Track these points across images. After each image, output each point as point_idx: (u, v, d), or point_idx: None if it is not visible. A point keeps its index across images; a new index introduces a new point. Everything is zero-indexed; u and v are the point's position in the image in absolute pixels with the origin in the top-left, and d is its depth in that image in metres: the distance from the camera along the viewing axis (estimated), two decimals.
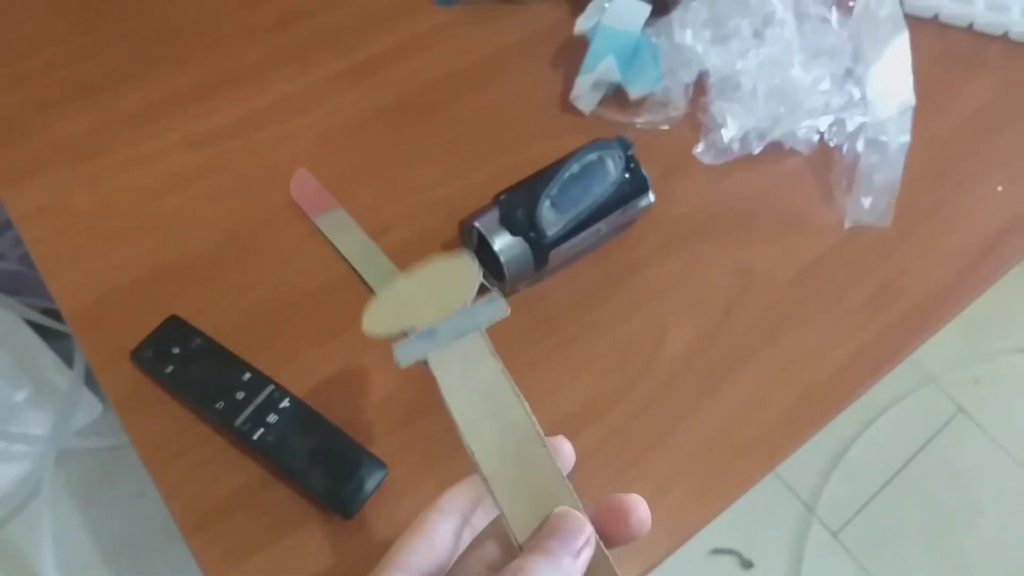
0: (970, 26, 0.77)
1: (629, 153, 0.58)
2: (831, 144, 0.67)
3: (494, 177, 0.58)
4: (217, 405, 0.51)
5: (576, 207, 0.55)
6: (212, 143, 0.65)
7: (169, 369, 0.52)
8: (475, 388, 0.34)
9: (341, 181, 0.63)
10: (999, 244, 0.64)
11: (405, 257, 0.58)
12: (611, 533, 0.32)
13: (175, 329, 0.54)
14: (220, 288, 0.58)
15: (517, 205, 0.55)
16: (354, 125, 0.67)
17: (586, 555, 0.30)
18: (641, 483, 0.52)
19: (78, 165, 0.63)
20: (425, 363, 0.35)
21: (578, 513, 0.31)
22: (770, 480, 1.41)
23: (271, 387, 0.52)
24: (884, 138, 0.64)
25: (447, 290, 0.37)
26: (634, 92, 0.67)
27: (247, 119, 0.66)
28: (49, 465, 1.15)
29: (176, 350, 0.53)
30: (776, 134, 0.65)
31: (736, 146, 0.65)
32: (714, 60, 0.66)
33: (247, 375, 0.52)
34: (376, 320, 0.37)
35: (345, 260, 0.59)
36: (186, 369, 0.52)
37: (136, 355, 0.53)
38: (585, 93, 0.67)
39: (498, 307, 0.36)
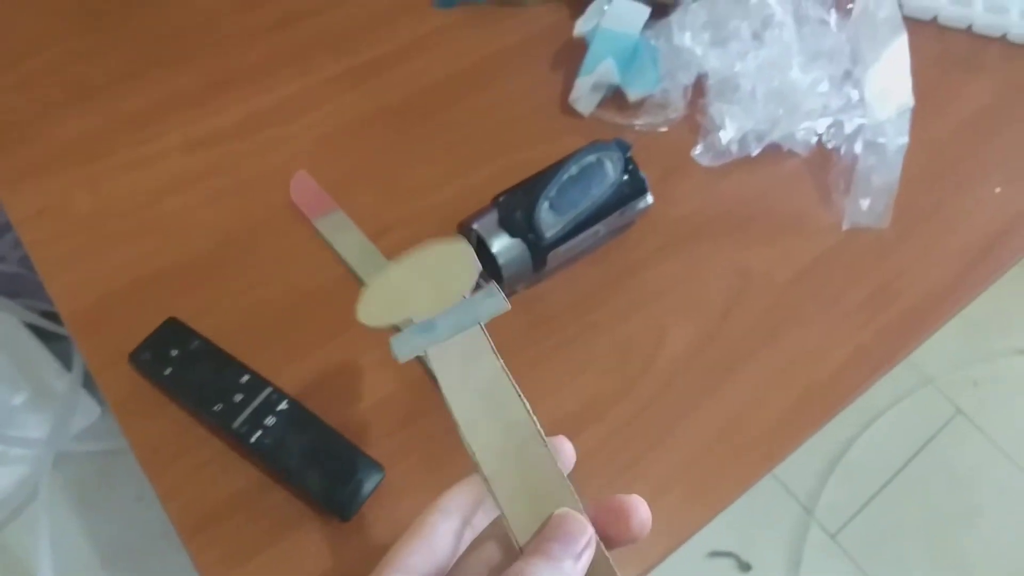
0: (969, 28, 0.77)
1: (628, 155, 0.58)
2: (829, 146, 0.67)
3: (493, 179, 0.58)
4: (215, 407, 0.51)
5: (575, 209, 0.55)
6: (212, 145, 0.65)
7: (167, 371, 0.52)
8: (475, 386, 0.33)
9: (341, 183, 0.63)
10: (997, 245, 0.64)
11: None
12: (612, 534, 0.32)
13: (173, 331, 0.54)
14: (219, 290, 0.58)
15: (516, 207, 0.55)
16: (354, 127, 0.67)
17: (587, 557, 0.30)
18: (640, 483, 0.52)
19: (78, 167, 0.63)
20: (423, 358, 0.34)
21: (579, 515, 0.31)
22: (768, 482, 1.41)
23: (269, 389, 0.51)
24: (882, 140, 0.64)
25: (444, 278, 0.36)
26: (633, 94, 0.67)
27: (247, 121, 0.66)
28: (47, 468, 1.15)
29: (174, 352, 0.53)
30: (774, 136, 0.65)
31: (734, 148, 0.65)
32: (713, 62, 0.66)
33: (245, 377, 0.52)
34: (372, 309, 0.36)
35: (344, 262, 0.59)
36: (184, 371, 0.52)
37: (134, 357, 0.53)
38: (584, 95, 0.67)
39: (497, 301, 0.35)
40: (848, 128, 0.66)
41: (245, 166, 0.64)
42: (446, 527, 0.33)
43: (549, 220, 0.55)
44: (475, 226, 0.55)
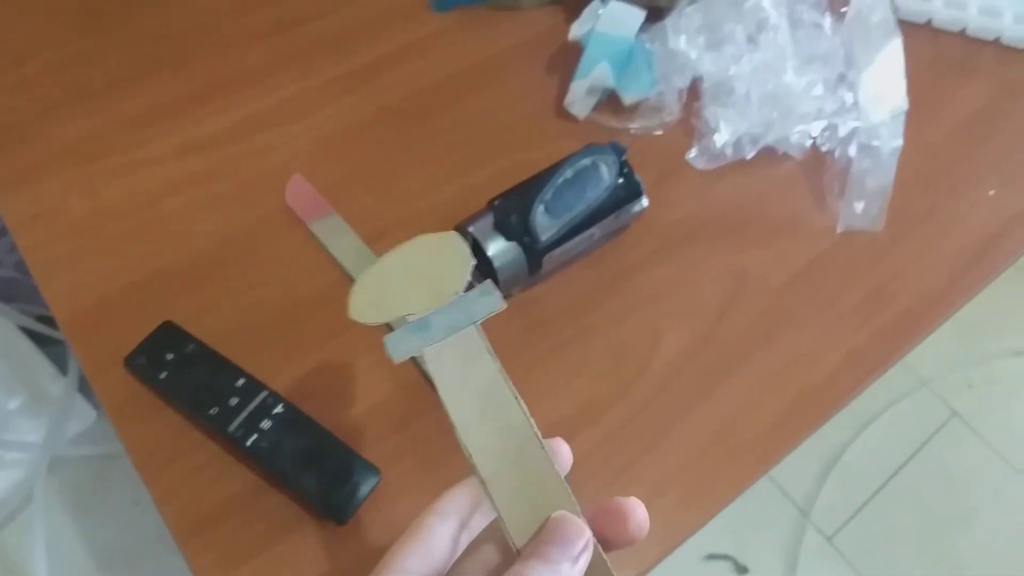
0: (963, 31, 0.77)
1: (623, 158, 0.58)
2: (824, 149, 0.67)
3: (488, 182, 0.58)
4: (211, 411, 0.50)
5: (570, 212, 0.56)
6: (209, 148, 0.65)
7: (163, 375, 0.52)
8: (472, 387, 0.33)
9: (337, 186, 0.63)
10: (991, 248, 0.64)
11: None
12: (609, 536, 0.32)
13: (169, 335, 0.54)
14: (215, 294, 0.58)
15: (511, 210, 0.55)
16: (350, 130, 0.67)
17: (584, 560, 0.30)
18: (636, 486, 0.52)
19: (75, 170, 0.63)
20: (418, 358, 0.34)
21: (577, 518, 0.31)
22: (765, 485, 1.41)
23: (265, 393, 0.51)
24: (876, 143, 0.65)
25: (437, 273, 0.35)
26: (628, 97, 0.67)
27: (244, 124, 0.66)
28: (42, 473, 1.14)
29: (170, 356, 0.53)
30: (769, 139, 0.65)
31: (729, 151, 0.65)
32: (708, 66, 0.67)
33: (241, 381, 0.52)
34: (363, 305, 0.35)
35: (340, 266, 0.59)
36: (180, 375, 0.52)
37: (130, 361, 0.53)
38: (579, 98, 0.67)
39: (493, 300, 0.34)
40: (842, 131, 0.66)
41: (241, 170, 0.64)
42: (443, 530, 0.33)
43: (544, 223, 0.55)
44: (471, 229, 0.55)
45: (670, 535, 0.50)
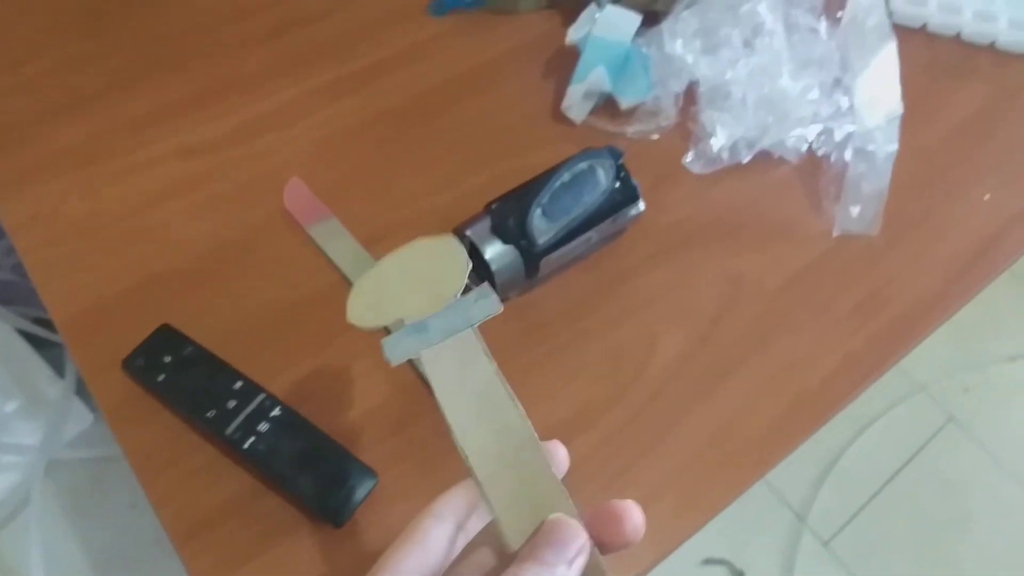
0: (958, 36, 0.78)
1: (619, 162, 0.58)
2: (819, 153, 0.67)
3: (486, 186, 0.58)
4: (208, 414, 0.51)
5: (567, 216, 0.56)
6: (207, 152, 0.65)
7: (161, 378, 0.52)
8: (469, 389, 0.33)
9: (335, 189, 0.63)
10: (986, 252, 0.65)
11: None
12: (605, 539, 0.32)
13: (167, 338, 0.54)
14: (212, 297, 0.58)
15: (508, 214, 0.55)
16: (348, 134, 0.67)
17: (580, 563, 0.30)
18: (632, 490, 0.52)
19: (73, 173, 0.63)
20: (415, 361, 0.34)
21: (572, 520, 0.31)
22: (761, 489, 1.41)
23: (262, 396, 0.52)
24: (872, 147, 0.65)
25: (435, 276, 0.35)
26: (625, 102, 0.67)
27: (242, 128, 0.66)
28: (39, 475, 1.14)
29: (168, 359, 0.53)
30: (765, 143, 0.66)
31: (725, 155, 0.65)
32: (704, 70, 0.67)
33: (238, 384, 0.52)
34: (361, 309, 0.35)
35: (338, 269, 0.59)
36: (177, 378, 0.52)
37: (128, 364, 0.53)
38: (576, 102, 0.67)
39: (491, 302, 0.34)
40: (838, 135, 0.66)
41: (240, 173, 0.64)
42: (439, 532, 0.33)
43: (542, 227, 0.55)
44: (468, 233, 0.55)
45: (666, 539, 0.51)
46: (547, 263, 0.57)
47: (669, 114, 0.68)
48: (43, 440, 1.14)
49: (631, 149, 0.61)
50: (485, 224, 0.55)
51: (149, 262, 0.59)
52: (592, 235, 0.58)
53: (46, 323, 1.18)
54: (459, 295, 0.35)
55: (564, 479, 0.33)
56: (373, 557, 0.32)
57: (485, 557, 0.34)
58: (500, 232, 0.55)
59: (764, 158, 0.67)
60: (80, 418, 1.20)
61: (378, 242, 0.60)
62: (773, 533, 1.38)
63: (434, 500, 0.34)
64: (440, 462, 0.50)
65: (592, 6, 0.69)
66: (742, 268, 0.62)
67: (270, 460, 0.49)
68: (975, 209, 0.67)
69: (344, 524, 0.49)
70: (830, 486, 1.41)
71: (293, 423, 0.51)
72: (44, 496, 1.18)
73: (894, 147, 0.65)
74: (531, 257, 0.55)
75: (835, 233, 0.64)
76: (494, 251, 0.54)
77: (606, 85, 0.66)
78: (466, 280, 0.35)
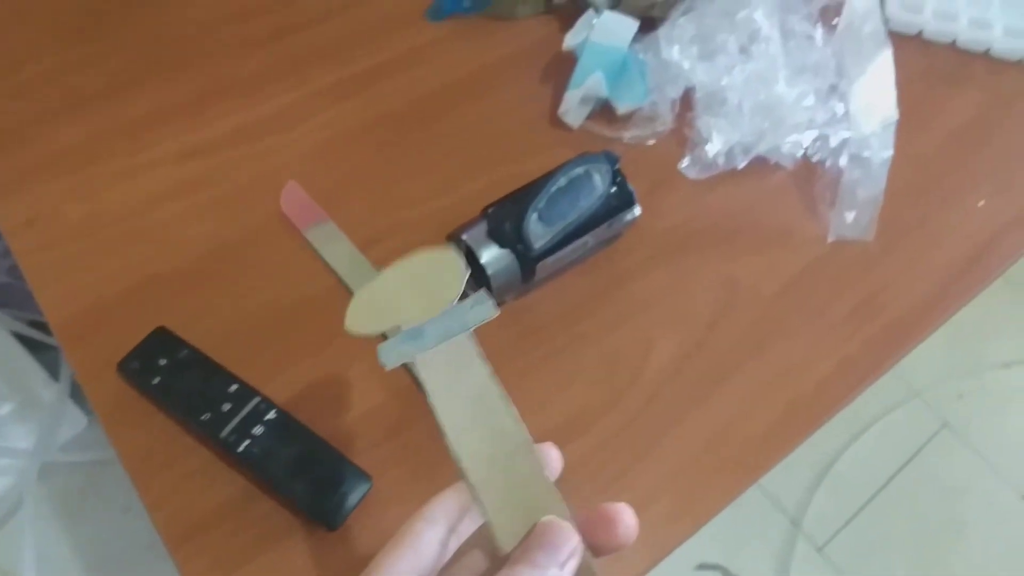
0: (953, 43, 0.78)
1: (616, 167, 0.58)
2: (815, 159, 0.68)
3: (483, 190, 0.58)
4: (203, 417, 0.50)
5: (563, 220, 0.56)
6: (203, 155, 0.65)
7: (156, 381, 0.52)
8: (463, 393, 0.33)
9: (332, 193, 0.63)
10: (981, 258, 0.65)
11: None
12: (598, 542, 0.32)
13: (162, 341, 0.54)
14: (208, 300, 0.58)
15: (505, 218, 0.55)
16: (345, 138, 0.67)
17: (572, 565, 0.30)
18: (628, 494, 0.52)
19: (70, 175, 0.63)
20: (410, 366, 0.34)
21: (565, 523, 0.31)
22: (756, 495, 1.41)
23: (257, 399, 0.52)
24: (867, 153, 0.65)
25: (432, 286, 0.36)
26: (621, 107, 0.68)
27: (239, 131, 0.66)
28: (32, 479, 1.14)
29: (163, 362, 0.53)
30: (761, 149, 0.66)
31: (721, 161, 0.66)
32: (700, 76, 0.67)
33: (233, 387, 0.52)
34: (359, 318, 0.36)
35: (334, 273, 0.59)
36: (173, 381, 0.52)
37: (123, 366, 0.53)
38: (573, 108, 0.67)
39: (486, 308, 0.35)
40: (833, 141, 0.66)
41: (237, 176, 0.64)
42: (432, 535, 0.33)
43: (538, 231, 0.55)
44: (464, 237, 0.55)
45: (661, 543, 0.51)
46: (543, 267, 0.57)
47: (665, 119, 0.68)
48: (37, 443, 1.13)
49: (627, 154, 0.61)
50: (481, 228, 0.55)
51: (145, 265, 0.59)
52: (588, 240, 0.58)
53: (41, 326, 1.18)
54: (455, 302, 0.35)
55: (557, 482, 0.33)
56: (367, 561, 0.32)
57: (477, 560, 0.34)
58: (496, 236, 0.55)
59: (760, 164, 0.67)
60: (74, 421, 1.19)
61: (375, 246, 0.60)
62: (768, 538, 1.38)
63: (426, 503, 0.34)
64: (435, 466, 0.50)
65: (589, 12, 0.69)
66: (738, 273, 0.62)
67: (265, 463, 0.49)
68: (970, 215, 0.67)
69: (338, 528, 0.49)
70: (825, 491, 1.42)
71: (288, 426, 0.51)
72: (37, 500, 1.18)
73: (889, 153, 0.65)
74: (527, 261, 0.55)
75: (830, 239, 0.64)
76: (490, 255, 0.55)
77: (603, 90, 0.66)
78: (463, 288, 0.36)
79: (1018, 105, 0.75)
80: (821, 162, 0.67)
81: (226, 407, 0.51)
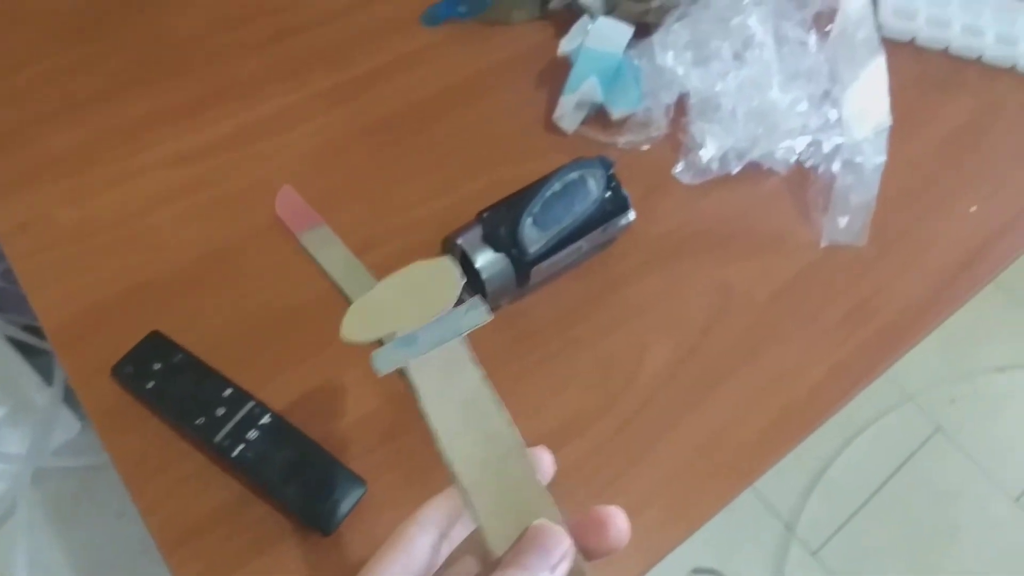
0: (946, 50, 0.79)
1: (610, 172, 0.58)
2: (808, 165, 0.68)
3: (478, 195, 0.58)
4: (197, 421, 0.50)
5: (558, 225, 0.56)
6: (198, 159, 0.65)
7: (150, 385, 0.52)
8: (455, 397, 0.33)
9: (327, 198, 0.63)
10: (973, 263, 0.65)
11: (389, 274, 0.59)
12: (590, 545, 0.32)
13: (156, 345, 0.54)
14: (202, 304, 0.58)
15: (500, 222, 0.55)
16: (340, 142, 0.67)
17: (563, 569, 0.30)
18: (622, 498, 0.52)
19: (64, 180, 0.63)
20: (404, 371, 0.34)
21: (556, 526, 0.31)
22: (750, 499, 1.41)
23: (252, 403, 0.51)
24: (860, 159, 0.65)
25: (427, 295, 0.36)
26: (616, 112, 0.68)
27: (234, 135, 0.66)
28: (25, 484, 1.14)
29: (157, 366, 0.53)
30: (754, 154, 0.66)
31: (715, 166, 0.66)
32: (694, 81, 0.67)
33: (228, 391, 0.52)
34: (355, 326, 0.36)
35: (329, 277, 0.59)
36: (167, 385, 0.52)
37: (117, 371, 0.53)
38: (568, 113, 0.68)
39: (479, 313, 0.35)
40: (826, 147, 0.67)
41: (231, 180, 0.64)
42: (423, 540, 0.33)
43: (533, 236, 0.55)
44: (459, 241, 0.55)
45: (655, 547, 0.51)
46: (538, 272, 0.57)
47: (660, 125, 0.68)
48: (30, 448, 1.13)
49: (622, 159, 0.61)
50: (476, 232, 0.55)
51: (140, 269, 0.59)
52: (583, 244, 0.58)
53: (34, 330, 1.17)
54: (450, 308, 0.35)
55: (550, 486, 0.33)
56: (361, 566, 0.33)
57: (469, 565, 0.34)
58: (491, 240, 0.55)
59: (753, 169, 0.67)
60: (67, 426, 1.19)
61: (370, 250, 0.60)
62: (762, 543, 1.38)
63: (418, 509, 0.34)
64: (429, 471, 0.50)
65: (585, 18, 0.69)
66: (731, 278, 0.62)
67: (259, 468, 0.49)
68: (962, 221, 0.68)
69: (333, 532, 0.49)
70: (818, 496, 1.42)
71: (282, 431, 0.51)
72: (31, 505, 1.17)
73: (882, 159, 0.66)
74: (522, 266, 0.56)
75: (823, 244, 0.65)
76: (485, 259, 0.55)
77: (598, 96, 0.67)
78: (458, 296, 0.36)
79: (1010, 111, 0.75)
80: (814, 168, 0.68)
81: (220, 412, 0.51)
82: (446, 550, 0.34)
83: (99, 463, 1.21)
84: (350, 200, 0.64)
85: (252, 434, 0.50)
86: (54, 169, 0.63)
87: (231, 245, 0.61)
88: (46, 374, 1.19)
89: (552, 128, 0.69)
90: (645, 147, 0.68)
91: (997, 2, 0.80)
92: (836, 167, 0.66)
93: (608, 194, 0.58)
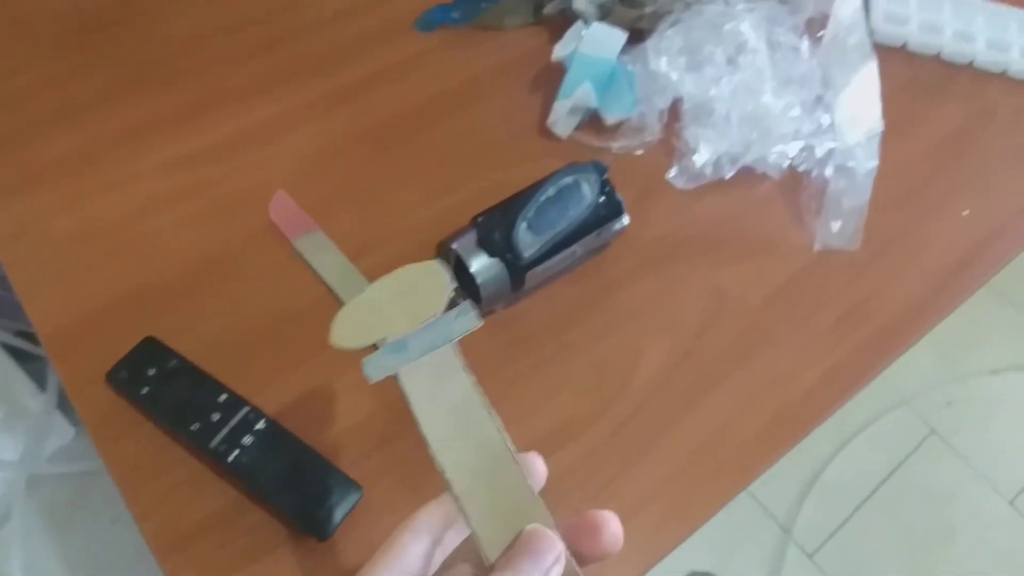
0: (938, 55, 0.79)
1: (604, 177, 0.58)
2: (801, 169, 0.68)
3: (472, 200, 0.58)
4: (192, 427, 0.50)
5: (552, 229, 0.56)
6: (193, 166, 0.65)
7: (144, 391, 0.52)
8: (446, 404, 0.33)
9: (321, 204, 0.63)
10: (966, 266, 0.66)
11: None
12: (584, 550, 0.32)
13: (151, 350, 0.54)
14: (197, 310, 0.58)
15: (494, 227, 0.55)
16: (334, 148, 0.67)
17: (556, 573, 0.30)
18: (617, 502, 0.52)
19: (59, 187, 0.63)
20: (395, 377, 0.34)
21: (548, 531, 0.31)
22: (746, 502, 1.41)
23: (247, 409, 0.51)
24: (852, 163, 0.66)
25: (417, 299, 0.36)
26: (610, 117, 0.68)
27: (229, 142, 0.67)
28: (20, 491, 1.13)
29: (152, 372, 0.53)
30: (748, 159, 0.66)
31: (709, 171, 0.66)
32: (688, 87, 0.68)
33: (223, 396, 0.52)
34: (345, 332, 0.36)
35: (323, 282, 0.59)
36: (161, 390, 0.52)
37: (111, 376, 0.53)
38: (562, 118, 0.68)
39: (469, 319, 0.35)
40: (819, 152, 0.67)
41: (226, 187, 0.64)
42: (417, 547, 0.33)
43: (527, 240, 0.55)
44: (454, 246, 0.55)
45: (650, 551, 0.51)
46: (532, 276, 0.57)
47: (654, 130, 0.68)
48: (23, 454, 1.13)
49: (616, 164, 0.62)
50: (471, 237, 0.56)
51: (135, 275, 0.59)
52: (577, 249, 0.58)
53: (27, 336, 1.17)
54: (440, 313, 0.35)
55: (543, 491, 0.33)
56: (356, 571, 0.32)
57: (463, 572, 0.34)
58: (486, 245, 0.55)
59: (747, 174, 0.67)
60: (61, 432, 1.19)
61: (365, 255, 0.61)
62: (758, 545, 1.38)
63: (412, 515, 0.34)
64: (425, 476, 0.50)
65: (578, 23, 0.69)
66: (725, 282, 0.63)
67: (254, 473, 0.49)
68: (954, 224, 0.68)
69: (328, 538, 0.49)
70: (814, 499, 1.42)
71: (277, 436, 0.51)
72: (25, 511, 1.17)
73: (874, 163, 0.66)
74: (516, 270, 0.56)
75: (816, 248, 0.65)
76: (480, 264, 0.55)
77: (592, 101, 0.67)
78: (447, 301, 0.36)
79: (1001, 116, 0.76)
80: (807, 172, 0.68)
81: (215, 417, 0.51)
82: (440, 556, 0.34)
83: (93, 469, 1.20)
84: (344, 205, 0.64)
85: (247, 440, 0.50)
86: (49, 175, 0.63)
87: (225, 251, 0.61)
88: (39, 380, 1.18)
89: (546, 133, 0.69)
90: (639, 152, 0.69)
91: (988, 8, 0.81)
92: (829, 172, 0.66)
93: (602, 199, 0.58)
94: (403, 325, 0.35)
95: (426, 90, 0.72)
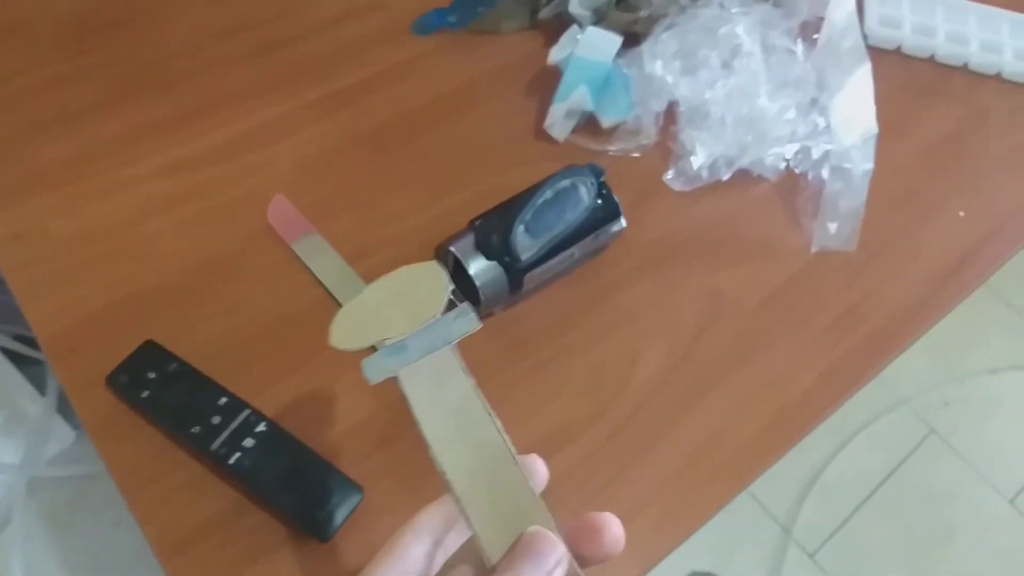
0: (932, 57, 0.79)
1: (601, 180, 0.59)
2: (797, 171, 0.69)
3: (470, 203, 0.59)
4: (193, 430, 0.51)
5: (550, 232, 0.56)
6: (191, 169, 0.65)
7: (145, 394, 0.52)
8: (446, 405, 0.33)
9: (319, 207, 0.63)
10: (962, 267, 0.66)
11: None
12: (585, 552, 0.32)
13: (151, 354, 0.54)
14: (197, 313, 0.58)
15: (492, 230, 0.56)
16: (332, 152, 0.68)
17: (558, 575, 0.31)
18: (615, 504, 0.53)
19: (57, 191, 0.63)
20: (395, 379, 0.34)
21: (550, 533, 0.31)
22: (747, 502, 1.42)
23: (247, 411, 0.52)
24: (848, 165, 0.66)
25: (416, 299, 0.36)
26: (606, 121, 0.68)
27: (227, 146, 0.67)
28: (20, 494, 1.13)
29: (152, 375, 0.53)
30: (744, 162, 0.67)
31: (705, 173, 0.66)
32: (683, 90, 0.68)
33: (223, 399, 0.52)
34: (344, 334, 0.36)
35: (322, 285, 0.59)
36: (162, 394, 0.52)
37: (112, 380, 0.53)
38: (558, 121, 0.68)
39: (469, 321, 0.35)
40: (815, 154, 0.68)
41: (224, 190, 0.64)
42: (418, 549, 0.33)
43: (525, 243, 0.56)
44: (452, 249, 0.56)
45: (650, 552, 0.51)
46: (530, 279, 0.57)
47: (650, 133, 0.69)
48: (24, 458, 1.13)
49: (612, 167, 0.62)
50: (469, 240, 0.56)
51: (134, 279, 0.59)
52: (574, 251, 0.59)
53: (26, 340, 1.17)
54: (439, 314, 0.36)
55: (543, 493, 0.33)
56: (358, 573, 0.33)
57: (465, 574, 0.34)
58: (484, 248, 0.55)
59: (743, 176, 0.68)
60: (62, 436, 1.18)
61: (363, 258, 0.61)
62: (759, 546, 1.38)
63: (413, 516, 0.34)
64: (426, 477, 0.50)
65: (574, 27, 0.70)
66: (722, 284, 0.63)
67: (255, 476, 0.49)
68: (950, 225, 0.68)
69: (330, 539, 0.49)
70: (815, 499, 1.42)
71: (278, 438, 0.51)
72: (26, 515, 1.17)
73: (870, 165, 0.66)
74: (514, 273, 0.56)
75: (813, 249, 0.65)
76: (478, 267, 0.55)
77: (588, 104, 0.67)
78: (446, 302, 0.36)
79: (996, 118, 0.76)
80: (803, 174, 0.68)
81: (216, 420, 0.51)
82: (441, 558, 0.34)
83: (94, 472, 1.20)
84: (342, 209, 0.64)
85: (248, 442, 0.50)
86: (47, 180, 0.63)
87: (224, 254, 0.61)
88: (39, 384, 1.18)
89: (543, 136, 0.69)
90: (635, 155, 0.69)
91: (982, 10, 0.81)
92: (825, 173, 0.67)
93: (599, 202, 0.58)
94: (402, 326, 0.35)
95: (423, 94, 0.72)
